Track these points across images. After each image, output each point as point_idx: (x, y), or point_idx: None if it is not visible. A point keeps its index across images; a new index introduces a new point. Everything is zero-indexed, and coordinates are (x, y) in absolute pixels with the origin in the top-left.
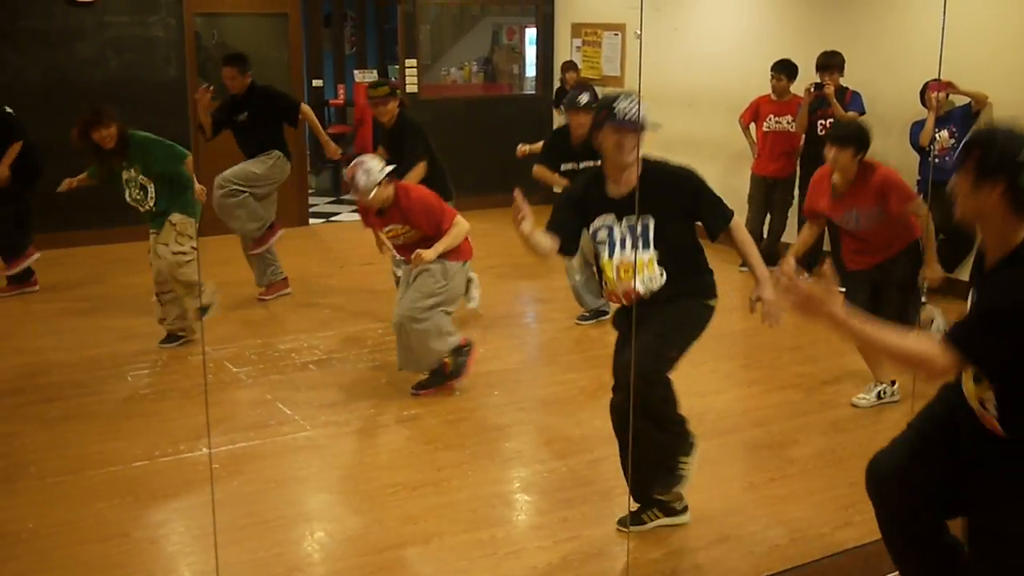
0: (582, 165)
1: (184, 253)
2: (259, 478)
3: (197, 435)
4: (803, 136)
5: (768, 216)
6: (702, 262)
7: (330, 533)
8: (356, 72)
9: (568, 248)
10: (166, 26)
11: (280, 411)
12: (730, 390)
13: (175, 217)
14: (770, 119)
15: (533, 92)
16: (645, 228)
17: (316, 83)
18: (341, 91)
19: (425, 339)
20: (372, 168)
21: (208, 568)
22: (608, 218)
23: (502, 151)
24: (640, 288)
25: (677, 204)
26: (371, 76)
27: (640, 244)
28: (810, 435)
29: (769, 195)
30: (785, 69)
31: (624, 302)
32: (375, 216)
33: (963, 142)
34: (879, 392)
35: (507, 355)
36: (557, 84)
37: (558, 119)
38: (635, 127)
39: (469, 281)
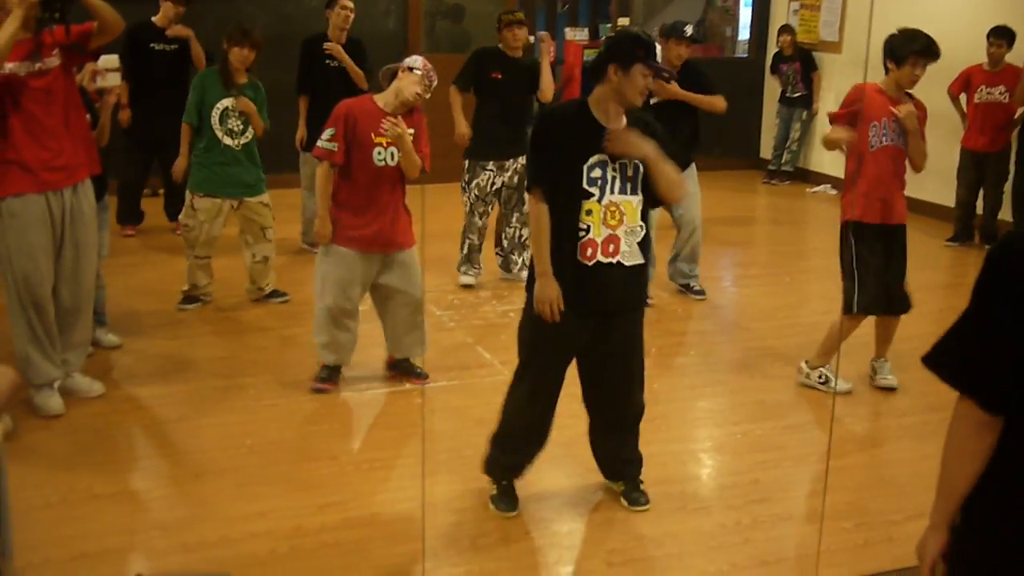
0: None
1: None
2: (457, 416)
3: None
4: (1021, 109)
5: (981, 193)
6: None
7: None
8: (567, 30)
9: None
10: None
11: (480, 355)
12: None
13: (267, 197)
14: (981, 90)
15: (746, 55)
16: (636, 170)
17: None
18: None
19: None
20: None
21: (408, 496)
22: (603, 156)
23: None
24: (623, 237)
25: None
26: (582, 34)
27: (630, 188)
28: None
29: (980, 170)
30: (1005, 35)
31: (599, 256)
32: (406, 115)
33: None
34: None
35: (703, 318)
36: (775, 48)
37: (771, 82)
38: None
39: None
